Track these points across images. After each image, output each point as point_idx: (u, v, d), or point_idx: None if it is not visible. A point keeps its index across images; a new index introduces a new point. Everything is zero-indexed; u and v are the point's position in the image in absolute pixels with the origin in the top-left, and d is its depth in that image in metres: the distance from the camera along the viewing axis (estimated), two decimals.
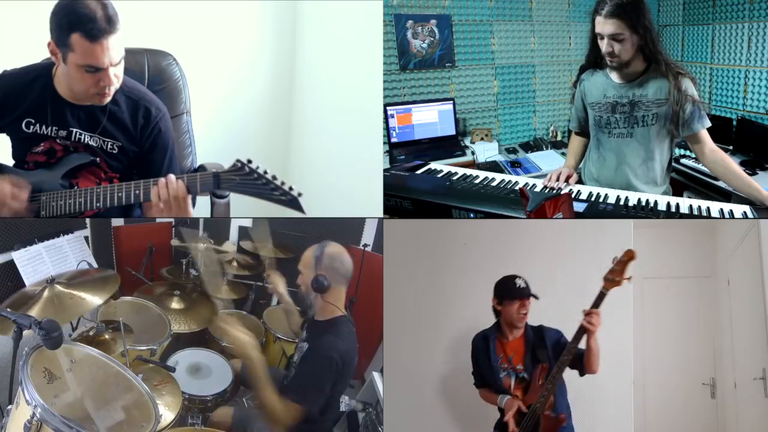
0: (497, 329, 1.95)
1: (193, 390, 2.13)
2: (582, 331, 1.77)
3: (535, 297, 1.89)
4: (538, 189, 2.32)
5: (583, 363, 1.87)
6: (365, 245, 3.01)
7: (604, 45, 2.01)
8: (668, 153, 2.20)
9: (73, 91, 1.80)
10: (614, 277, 1.74)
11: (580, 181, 2.38)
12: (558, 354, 1.83)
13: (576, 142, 2.43)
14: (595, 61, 2.17)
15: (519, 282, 1.89)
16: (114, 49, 1.68)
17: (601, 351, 1.81)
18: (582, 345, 1.80)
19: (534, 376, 1.85)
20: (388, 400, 2.32)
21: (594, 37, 2.07)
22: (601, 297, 1.75)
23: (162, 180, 1.73)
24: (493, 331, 1.95)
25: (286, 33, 3.23)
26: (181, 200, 1.74)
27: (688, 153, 3.11)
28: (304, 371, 1.87)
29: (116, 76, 1.75)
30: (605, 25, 1.96)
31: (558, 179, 2.30)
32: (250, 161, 1.68)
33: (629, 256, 1.74)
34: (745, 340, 2.51)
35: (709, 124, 2.10)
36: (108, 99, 1.79)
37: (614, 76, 2.14)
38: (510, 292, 1.89)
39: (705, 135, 2.10)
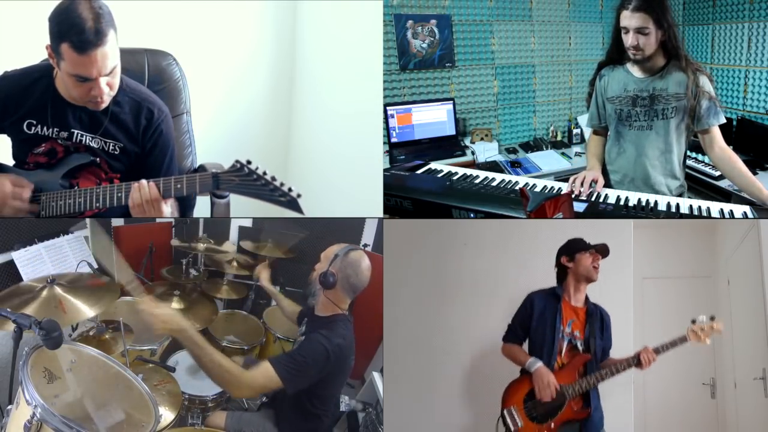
0: (564, 289, 1.96)
1: (193, 390, 2.13)
2: (637, 363, 1.88)
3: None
4: (538, 189, 2.32)
5: None
6: (365, 245, 3.01)
7: (629, 38, 2.06)
8: (685, 147, 2.24)
9: (71, 95, 1.80)
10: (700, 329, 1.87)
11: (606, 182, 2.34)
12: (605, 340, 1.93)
13: (595, 141, 2.40)
14: (615, 56, 2.22)
15: (588, 241, 1.94)
16: (104, 61, 1.67)
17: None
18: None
19: (575, 361, 1.87)
20: (388, 400, 2.32)
21: (617, 32, 2.13)
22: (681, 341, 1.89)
23: (135, 184, 1.74)
24: (562, 290, 1.96)
25: (286, 33, 3.23)
26: (154, 202, 1.74)
27: (688, 153, 3.11)
28: (295, 352, 1.84)
29: (109, 84, 1.74)
30: (632, 19, 2.02)
31: (582, 185, 2.18)
32: (249, 162, 1.68)
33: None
34: (745, 340, 2.51)
35: (723, 120, 2.15)
36: (103, 105, 1.79)
37: (635, 71, 2.19)
38: (583, 245, 1.94)
39: (717, 131, 2.14)
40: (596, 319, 1.93)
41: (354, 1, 2.90)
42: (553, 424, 1.83)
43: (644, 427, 2.83)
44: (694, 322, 1.87)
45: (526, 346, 1.96)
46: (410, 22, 3.55)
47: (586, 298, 1.96)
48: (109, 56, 1.68)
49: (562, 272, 1.97)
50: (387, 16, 3.44)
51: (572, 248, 1.95)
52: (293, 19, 3.21)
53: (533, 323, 1.93)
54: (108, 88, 1.74)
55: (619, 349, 2.16)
